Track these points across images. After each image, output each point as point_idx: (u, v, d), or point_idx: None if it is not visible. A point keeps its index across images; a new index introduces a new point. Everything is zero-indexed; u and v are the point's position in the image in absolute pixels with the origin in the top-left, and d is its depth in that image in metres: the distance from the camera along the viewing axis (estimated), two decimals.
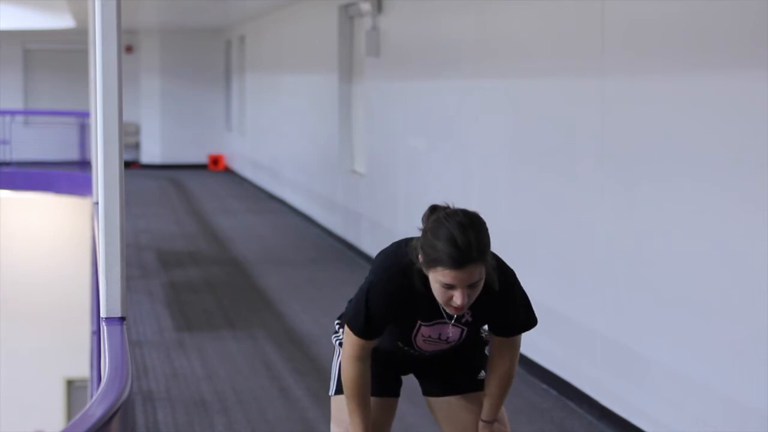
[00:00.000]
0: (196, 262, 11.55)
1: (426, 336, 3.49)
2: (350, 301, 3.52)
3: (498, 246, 3.43)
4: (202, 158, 22.09)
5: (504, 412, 3.68)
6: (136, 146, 22.32)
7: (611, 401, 6.00)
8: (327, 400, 3.86)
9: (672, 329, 5.40)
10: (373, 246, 10.55)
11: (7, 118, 19.78)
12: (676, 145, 5.37)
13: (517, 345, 3.56)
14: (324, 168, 13.28)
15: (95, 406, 2.74)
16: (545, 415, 6.33)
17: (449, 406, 3.68)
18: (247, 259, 11.58)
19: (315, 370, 7.25)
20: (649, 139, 5.61)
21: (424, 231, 3.27)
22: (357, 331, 3.44)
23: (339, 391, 3.65)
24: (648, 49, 5.66)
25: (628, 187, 5.82)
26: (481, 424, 3.61)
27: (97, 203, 3.84)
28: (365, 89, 11.43)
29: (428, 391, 3.74)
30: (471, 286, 3.24)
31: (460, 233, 3.19)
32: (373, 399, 3.56)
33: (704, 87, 5.18)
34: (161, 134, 22.22)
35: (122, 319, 3.72)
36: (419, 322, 3.45)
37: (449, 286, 3.23)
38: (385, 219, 10.47)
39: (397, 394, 3.72)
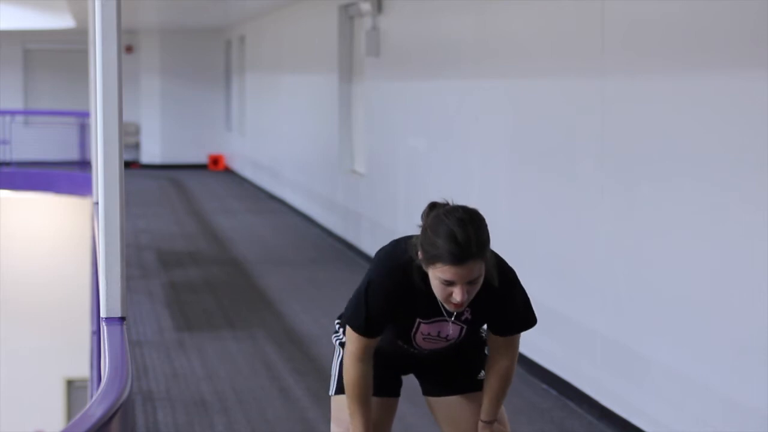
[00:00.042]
0: (196, 262, 11.55)
1: (425, 334, 3.49)
2: (350, 300, 3.52)
3: (498, 246, 3.43)
4: (202, 158, 22.09)
5: (504, 412, 3.68)
6: (136, 146, 22.32)
7: (611, 401, 6.00)
8: (327, 400, 3.86)
9: (672, 329, 5.40)
10: (373, 246, 10.55)
11: (7, 118, 19.78)
12: (676, 145, 5.37)
13: (516, 344, 3.56)
14: (324, 168, 13.28)
15: (95, 406, 2.74)
16: (545, 415, 6.33)
17: (449, 405, 3.68)
18: (247, 259, 11.58)
19: (315, 370, 7.25)
20: (649, 139, 5.61)
21: (424, 228, 3.28)
22: (357, 329, 3.44)
23: (339, 391, 3.65)
24: (648, 49, 5.66)
25: (628, 187, 5.82)
26: (480, 424, 3.61)
27: (97, 203, 3.84)
28: (365, 89, 11.43)
29: (428, 391, 3.74)
30: (471, 283, 3.24)
31: (459, 229, 3.19)
32: (373, 399, 3.56)
33: (704, 87, 5.18)
34: (161, 134, 22.22)
35: (122, 319, 3.72)
36: (418, 319, 3.45)
37: (449, 283, 3.23)
38: (385, 219, 10.47)
39: (397, 394, 3.72)
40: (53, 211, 18.49)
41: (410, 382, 3.80)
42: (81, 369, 14.69)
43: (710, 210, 5.09)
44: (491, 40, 7.72)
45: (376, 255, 3.51)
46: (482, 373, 3.64)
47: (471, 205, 3.36)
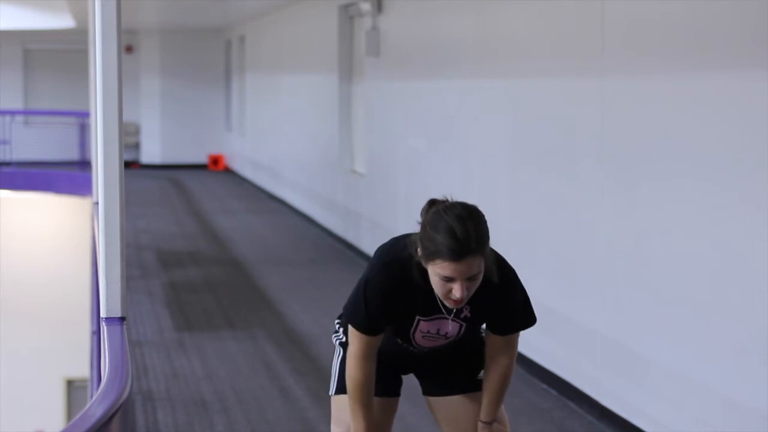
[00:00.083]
0: (196, 262, 11.55)
1: (425, 332, 3.49)
2: (349, 297, 3.51)
3: (498, 246, 3.43)
4: (202, 158, 22.09)
5: (504, 412, 3.68)
6: (136, 146, 22.32)
7: (611, 401, 6.00)
8: (327, 400, 3.86)
9: (672, 329, 5.40)
10: (373, 246, 10.53)
11: (7, 118, 19.78)
12: (676, 145, 5.37)
13: (515, 344, 3.56)
14: (324, 168, 13.28)
15: (95, 406, 2.74)
16: (545, 415, 6.33)
17: (449, 405, 3.68)
18: (247, 259, 11.58)
19: (315, 370, 7.25)
20: (649, 139, 5.61)
21: (423, 224, 3.28)
22: (357, 326, 3.43)
23: (339, 390, 3.65)
24: (648, 49, 5.66)
25: (628, 187, 5.82)
26: (480, 425, 3.61)
27: (97, 203, 3.84)
28: (365, 89, 11.43)
29: (428, 390, 3.74)
30: (470, 279, 3.24)
31: (459, 225, 3.19)
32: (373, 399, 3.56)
33: (704, 87, 5.18)
34: (161, 134, 22.22)
35: (122, 319, 3.72)
36: (417, 317, 3.45)
37: (448, 279, 3.23)
38: (385, 219, 10.47)
39: (397, 394, 3.72)
40: (53, 211, 18.49)
41: (410, 382, 3.80)
42: (81, 369, 14.69)
43: (710, 210, 5.09)
44: (491, 40, 7.73)
45: (375, 252, 3.51)
46: (482, 372, 3.64)
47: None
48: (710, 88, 5.14)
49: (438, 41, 8.93)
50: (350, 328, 3.47)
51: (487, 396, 3.58)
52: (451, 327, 3.48)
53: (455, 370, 3.67)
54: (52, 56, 22.66)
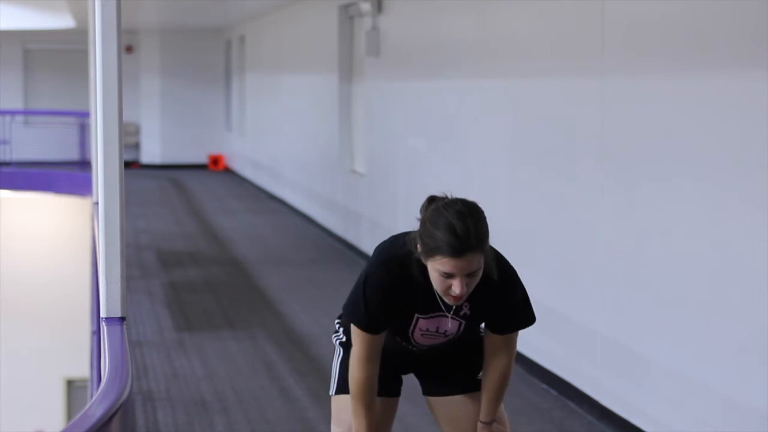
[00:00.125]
0: (196, 262, 11.55)
1: (423, 329, 3.49)
2: (349, 295, 3.50)
3: (498, 246, 3.43)
4: (202, 158, 22.09)
5: (504, 412, 3.68)
6: (136, 146, 22.32)
7: (611, 401, 6.00)
8: (327, 400, 3.86)
9: (672, 329, 5.40)
10: (373, 246, 10.50)
11: (7, 118, 19.78)
12: (676, 145, 5.37)
13: (514, 344, 3.55)
14: (324, 168, 13.28)
15: (95, 406, 2.74)
16: (545, 415, 6.33)
17: (449, 405, 3.68)
18: (247, 259, 11.58)
19: (315, 370, 7.25)
20: (649, 139, 5.61)
21: (423, 220, 3.28)
22: (358, 323, 3.43)
23: (340, 390, 3.65)
24: (648, 49, 5.66)
25: (628, 187, 5.82)
26: (479, 425, 3.61)
27: (97, 203, 3.84)
28: (365, 89, 11.43)
29: (428, 390, 3.74)
30: (470, 275, 3.24)
31: (458, 221, 3.20)
32: None
33: (704, 87, 5.18)
34: (161, 134, 22.22)
35: (122, 319, 3.72)
36: (417, 315, 3.45)
37: (448, 275, 3.23)
38: (385, 219, 10.47)
39: (397, 394, 3.72)
40: (53, 211, 18.49)
41: (410, 382, 3.80)
42: (81, 369, 14.69)
43: (710, 210, 5.09)
44: (491, 40, 7.72)
45: (374, 250, 3.51)
46: (482, 372, 3.64)
47: None
48: (710, 88, 5.14)
49: (438, 41, 8.93)
50: (353, 328, 3.47)
51: (486, 396, 3.58)
52: (450, 325, 3.48)
53: (455, 370, 3.67)
54: (52, 56, 22.66)
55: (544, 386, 6.80)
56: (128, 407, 2.94)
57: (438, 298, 3.38)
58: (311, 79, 14.10)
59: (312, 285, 10.21)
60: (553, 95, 6.78)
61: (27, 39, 22.09)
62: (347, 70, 12.35)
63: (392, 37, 10.32)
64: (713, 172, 5.07)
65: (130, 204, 13.07)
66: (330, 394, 3.72)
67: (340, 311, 3.64)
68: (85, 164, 18.01)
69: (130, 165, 21.20)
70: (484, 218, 3.27)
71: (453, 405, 3.67)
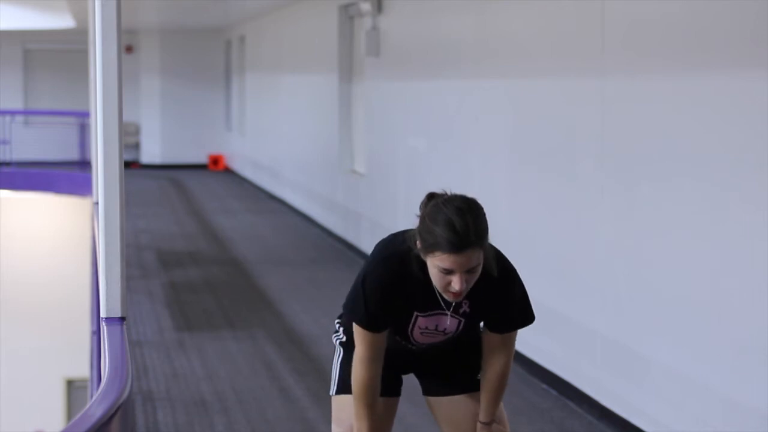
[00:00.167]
0: (196, 262, 11.55)
1: (423, 328, 3.48)
2: (348, 294, 3.50)
3: (498, 246, 3.43)
4: (202, 158, 22.09)
5: (503, 412, 3.67)
6: (136, 146, 22.32)
7: (611, 401, 6.00)
8: (327, 400, 3.86)
9: (672, 329, 5.40)
10: (372, 246, 10.54)
11: (7, 118, 19.78)
12: (676, 145, 5.37)
13: (512, 343, 3.55)
14: (324, 168, 13.28)
15: (95, 406, 2.74)
16: (545, 415, 6.33)
17: (449, 405, 3.68)
18: (247, 259, 11.58)
19: (315, 370, 7.25)
20: (649, 139, 5.61)
21: (422, 217, 3.28)
22: (359, 322, 3.43)
23: (340, 390, 3.65)
24: (648, 49, 5.66)
25: (628, 187, 5.82)
26: (479, 425, 3.60)
27: (97, 203, 3.84)
28: (365, 89, 11.43)
29: (428, 390, 3.73)
30: (469, 272, 3.24)
31: (458, 218, 3.20)
32: None
33: (704, 87, 5.18)
34: (161, 134, 22.22)
35: (122, 319, 3.72)
36: (416, 313, 3.44)
37: (447, 272, 3.23)
38: (385, 219, 10.47)
39: (398, 394, 3.72)
40: (53, 211, 18.49)
41: (410, 382, 3.80)
42: (81, 369, 14.69)
43: (710, 210, 5.09)
44: (491, 40, 7.72)
45: (374, 248, 3.51)
46: (480, 373, 3.64)
47: None
48: (710, 88, 5.14)
49: (438, 41, 8.93)
50: (355, 328, 3.47)
51: (485, 396, 3.58)
52: (449, 322, 3.48)
53: (455, 370, 3.66)
54: (52, 56, 22.66)
55: (544, 386, 6.80)
56: (128, 407, 2.94)
57: (438, 295, 3.38)
58: (311, 79, 14.10)
59: (312, 285, 10.21)
60: (553, 95, 6.78)
61: (27, 39, 22.09)
62: (347, 70, 12.35)
63: (392, 37, 10.32)
64: (713, 172, 5.07)
65: (130, 204, 13.07)
66: (330, 394, 3.72)
67: (340, 311, 3.64)
68: (85, 164, 18.01)
69: (130, 165, 21.20)
70: (484, 214, 3.27)
71: (453, 405, 3.67)
